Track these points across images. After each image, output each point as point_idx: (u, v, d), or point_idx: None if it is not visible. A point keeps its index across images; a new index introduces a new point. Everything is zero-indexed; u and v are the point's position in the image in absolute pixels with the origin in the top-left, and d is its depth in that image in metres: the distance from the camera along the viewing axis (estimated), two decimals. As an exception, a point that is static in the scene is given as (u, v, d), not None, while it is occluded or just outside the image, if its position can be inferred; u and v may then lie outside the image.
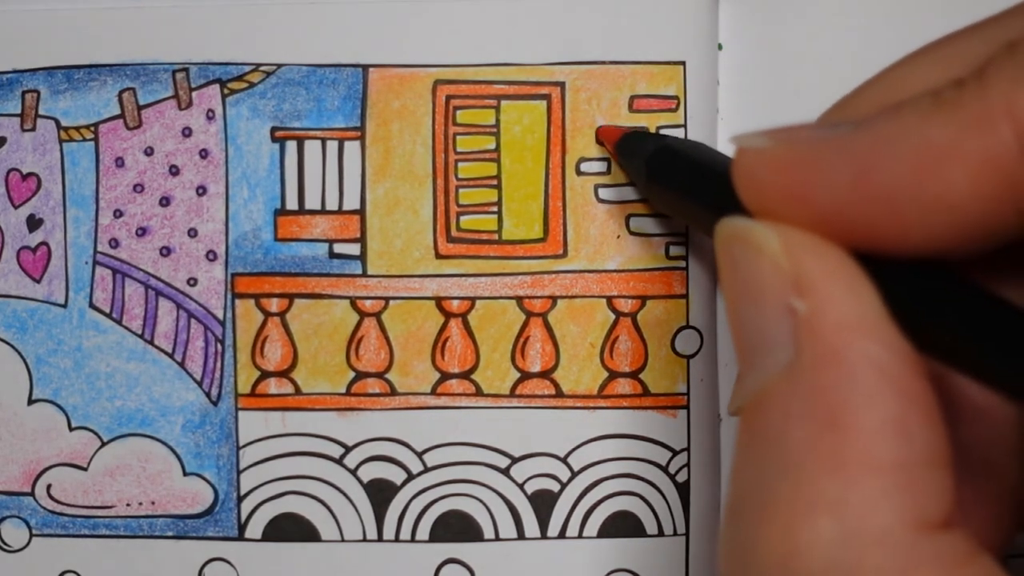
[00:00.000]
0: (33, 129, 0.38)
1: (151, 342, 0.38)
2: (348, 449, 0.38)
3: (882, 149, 0.23)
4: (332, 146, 0.37)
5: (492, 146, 0.37)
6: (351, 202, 0.37)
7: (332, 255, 0.37)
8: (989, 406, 0.27)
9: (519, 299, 0.37)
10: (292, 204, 0.37)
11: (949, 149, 0.22)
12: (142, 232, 0.38)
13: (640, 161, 0.34)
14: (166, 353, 0.38)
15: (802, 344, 0.23)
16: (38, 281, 0.38)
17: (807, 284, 0.23)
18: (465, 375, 0.37)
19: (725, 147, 0.37)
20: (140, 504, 0.38)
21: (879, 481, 0.22)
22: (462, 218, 0.37)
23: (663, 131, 0.37)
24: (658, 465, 0.37)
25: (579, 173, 0.37)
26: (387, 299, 0.37)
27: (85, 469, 0.38)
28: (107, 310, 0.38)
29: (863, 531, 0.22)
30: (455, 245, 0.37)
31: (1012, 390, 0.23)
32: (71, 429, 0.38)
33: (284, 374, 0.38)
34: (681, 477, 0.37)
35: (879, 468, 0.22)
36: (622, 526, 0.37)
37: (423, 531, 0.38)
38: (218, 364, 0.38)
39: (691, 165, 0.31)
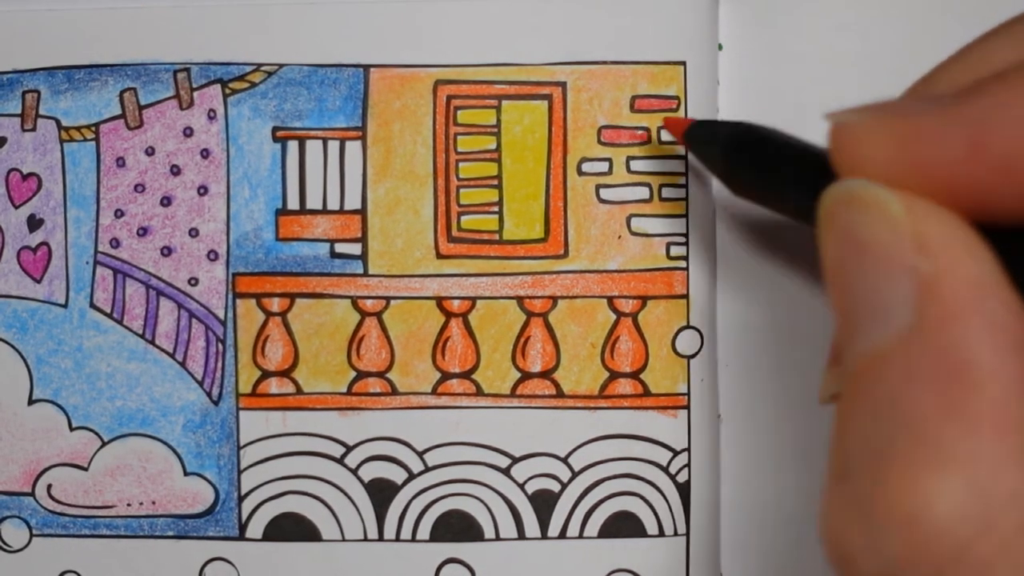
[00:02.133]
0: (34, 129, 0.38)
1: (152, 342, 0.38)
2: (349, 449, 0.38)
3: (995, 113, 0.22)
4: (333, 146, 0.37)
5: (493, 146, 0.37)
6: (352, 202, 0.37)
7: (333, 255, 0.37)
8: None
9: (520, 299, 0.37)
10: (293, 204, 0.37)
11: None
12: (143, 232, 0.38)
13: (716, 146, 0.33)
14: (167, 353, 0.38)
15: (926, 304, 0.23)
16: (39, 281, 0.38)
17: (930, 245, 0.23)
18: (466, 375, 0.37)
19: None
20: (141, 504, 0.38)
21: (1008, 440, 0.22)
22: (463, 218, 0.37)
23: (664, 130, 0.37)
24: (658, 465, 0.37)
25: (580, 173, 0.37)
26: (388, 299, 0.37)
27: (86, 469, 0.38)
28: (108, 310, 0.38)
29: (995, 487, 0.21)
30: (456, 245, 0.37)
31: None
32: (72, 429, 0.38)
33: (285, 374, 0.38)
34: (682, 477, 0.37)
35: (1008, 427, 0.22)
36: (623, 526, 0.37)
37: (424, 531, 0.38)
38: (219, 364, 0.38)
39: (775, 146, 0.31)
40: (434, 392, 0.37)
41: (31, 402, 0.38)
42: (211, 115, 0.38)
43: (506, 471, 0.37)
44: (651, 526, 0.37)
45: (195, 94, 0.38)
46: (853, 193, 0.24)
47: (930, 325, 0.23)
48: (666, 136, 0.37)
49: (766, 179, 0.31)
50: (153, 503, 0.38)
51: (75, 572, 0.38)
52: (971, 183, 0.23)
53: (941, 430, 0.22)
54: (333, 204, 0.37)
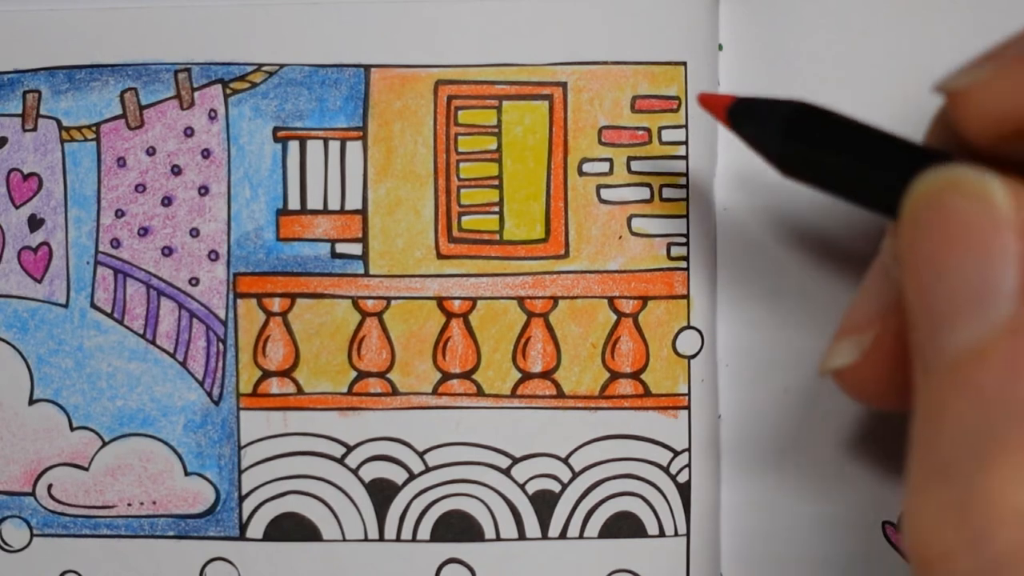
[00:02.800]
0: (34, 129, 0.38)
1: (153, 342, 0.38)
2: (349, 449, 0.38)
3: None
4: (334, 146, 0.37)
5: (494, 146, 0.37)
6: (353, 202, 0.37)
7: (334, 255, 0.37)
8: None
9: (520, 299, 0.37)
10: (294, 204, 0.37)
11: None
12: (144, 232, 0.38)
13: (772, 126, 0.30)
14: (168, 353, 0.38)
15: None
16: (39, 281, 0.38)
17: None
18: (466, 375, 0.37)
19: (724, 147, 0.37)
20: (141, 504, 0.38)
21: None
22: (464, 218, 0.37)
23: (664, 131, 0.37)
24: (659, 465, 0.37)
25: (581, 173, 0.37)
26: (389, 299, 0.37)
27: (86, 469, 0.38)
28: (108, 310, 0.38)
29: None
30: (456, 245, 0.37)
31: None
32: (72, 429, 0.38)
33: (286, 374, 0.38)
34: (682, 477, 0.37)
35: None
36: (623, 526, 0.37)
37: (424, 531, 0.38)
38: (220, 364, 0.38)
39: (843, 129, 0.29)
40: (435, 392, 0.37)
41: (32, 402, 0.38)
42: (212, 115, 0.38)
43: (506, 471, 0.37)
44: (651, 526, 0.37)
45: (196, 94, 0.38)
46: (952, 180, 0.24)
47: None
48: (668, 136, 0.37)
49: (833, 164, 0.29)
50: (154, 503, 0.38)
51: (75, 572, 0.38)
52: None
53: None
54: (334, 204, 0.37)
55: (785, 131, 0.29)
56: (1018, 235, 0.23)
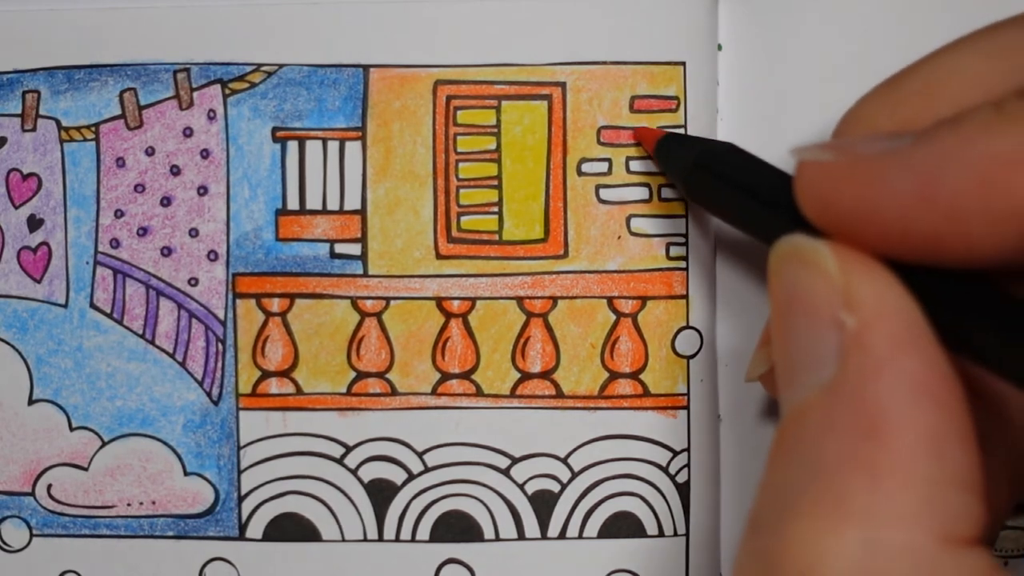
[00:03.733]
0: (34, 129, 0.38)
1: (152, 342, 0.38)
2: (349, 449, 0.38)
3: (946, 162, 0.23)
4: (333, 146, 0.37)
5: (493, 146, 0.37)
6: (352, 202, 0.37)
7: (333, 255, 0.37)
8: (1010, 394, 0.27)
9: (520, 299, 0.37)
10: (293, 204, 0.37)
11: (1013, 159, 0.22)
12: (143, 232, 0.38)
13: (680, 170, 0.34)
14: (167, 353, 0.38)
15: (847, 357, 0.24)
16: (39, 281, 0.38)
17: (857, 300, 0.24)
18: (465, 375, 0.37)
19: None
20: (141, 504, 0.38)
21: (911, 494, 0.22)
22: (463, 218, 0.37)
23: (665, 128, 0.37)
24: (658, 466, 0.37)
25: (580, 173, 0.37)
26: (388, 299, 0.37)
27: (86, 469, 0.38)
28: (108, 310, 0.38)
29: (889, 542, 0.22)
30: (456, 245, 0.37)
31: None
32: (72, 429, 0.38)
33: (285, 374, 0.38)
34: (681, 478, 0.37)
35: (912, 482, 0.23)
36: (622, 526, 0.37)
37: (423, 531, 0.38)
38: (219, 364, 0.38)
39: (734, 176, 0.32)
40: (434, 392, 0.37)
41: (31, 402, 0.38)
42: (211, 115, 0.38)
43: (506, 471, 0.37)
44: (651, 526, 0.37)
45: (195, 94, 0.38)
46: (793, 247, 0.25)
47: (850, 379, 0.24)
48: None
49: (730, 206, 0.32)
50: (153, 503, 0.38)
51: (75, 572, 0.38)
52: (920, 228, 0.24)
53: (847, 482, 0.23)
54: (333, 204, 0.37)
55: (691, 173, 0.33)
56: (842, 302, 0.24)
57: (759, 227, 0.30)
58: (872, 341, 0.23)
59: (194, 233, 0.38)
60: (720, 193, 0.32)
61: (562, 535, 0.38)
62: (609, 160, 0.37)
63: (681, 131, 0.37)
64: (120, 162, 0.38)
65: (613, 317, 0.37)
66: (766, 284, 0.37)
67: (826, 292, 0.24)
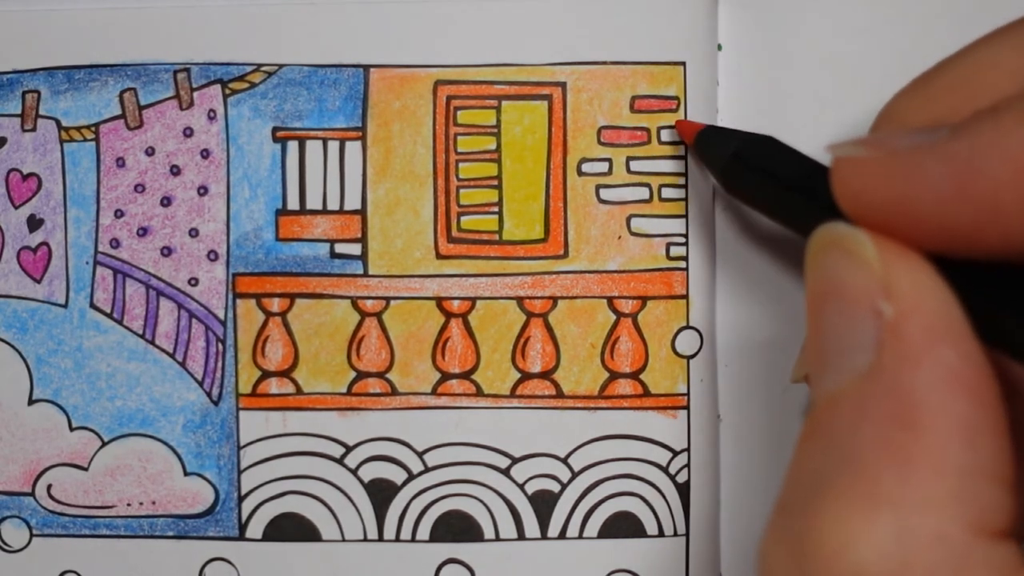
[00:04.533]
0: (34, 129, 0.38)
1: (152, 342, 0.38)
2: (349, 449, 0.38)
3: (983, 153, 0.23)
4: (333, 146, 0.37)
5: (493, 146, 0.37)
6: (352, 202, 0.37)
7: (333, 255, 0.37)
8: None
9: (520, 299, 0.37)
10: (293, 204, 0.37)
11: None
12: (143, 232, 0.38)
13: (718, 162, 0.34)
14: (167, 353, 0.38)
15: (885, 346, 0.24)
16: (39, 281, 0.38)
17: (896, 290, 0.24)
18: (465, 375, 0.37)
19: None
20: (141, 504, 0.38)
21: (943, 483, 0.23)
22: (463, 218, 0.37)
23: (663, 131, 0.37)
24: (658, 466, 0.37)
25: (580, 173, 0.37)
26: (388, 299, 0.37)
27: (86, 469, 0.38)
28: (108, 310, 0.38)
29: (920, 529, 0.22)
30: (456, 245, 0.37)
31: None
32: (72, 429, 0.38)
33: (285, 374, 0.38)
34: (681, 478, 0.37)
35: (945, 471, 0.23)
36: (622, 526, 0.37)
37: (423, 531, 0.38)
38: (219, 364, 0.38)
39: (773, 169, 0.32)
40: (434, 392, 0.37)
41: (31, 402, 0.38)
42: (211, 115, 0.38)
43: (506, 471, 0.37)
44: (651, 526, 0.37)
45: (195, 94, 0.38)
46: (834, 237, 0.25)
47: (886, 367, 0.24)
48: (666, 136, 0.37)
49: (768, 199, 0.32)
50: (153, 503, 0.38)
51: (75, 572, 0.38)
52: (958, 220, 0.24)
53: (880, 470, 0.23)
54: (333, 204, 0.37)
55: (731, 165, 0.33)
56: (880, 291, 0.24)
57: (797, 219, 0.30)
58: (909, 331, 0.24)
59: (194, 233, 0.38)
60: (757, 185, 0.32)
61: (562, 535, 0.38)
62: (609, 160, 0.37)
63: (683, 130, 0.37)
64: (120, 162, 0.38)
65: (613, 317, 0.37)
66: (771, 281, 0.38)
67: (865, 280, 0.24)
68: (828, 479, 0.23)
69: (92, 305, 0.38)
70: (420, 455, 0.38)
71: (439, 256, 0.37)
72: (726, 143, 0.34)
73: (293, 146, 0.37)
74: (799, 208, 0.30)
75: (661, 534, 0.37)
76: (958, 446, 0.23)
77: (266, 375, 0.38)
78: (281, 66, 0.37)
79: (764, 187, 0.32)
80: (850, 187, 0.25)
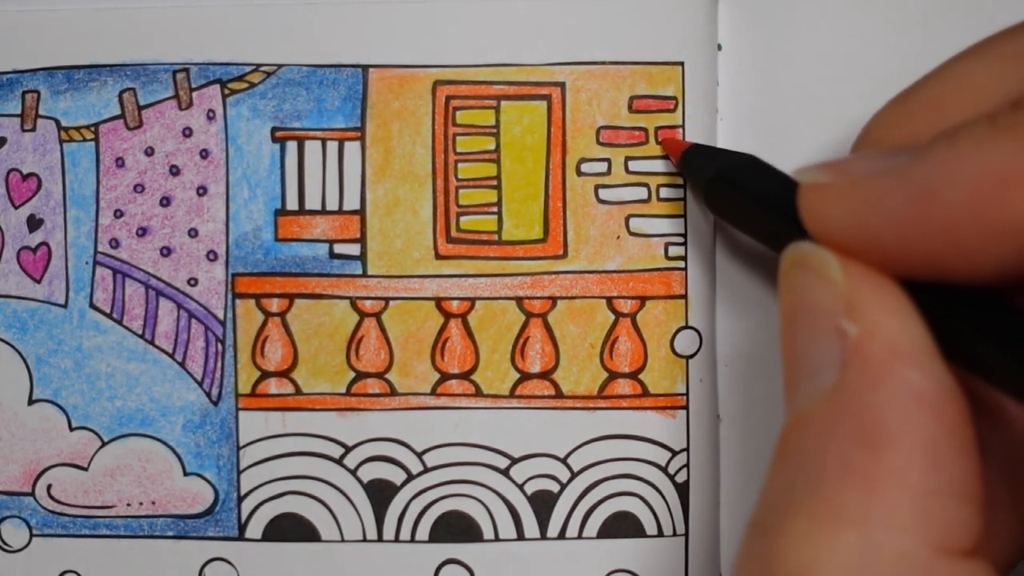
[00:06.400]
0: (33, 129, 0.38)
1: (151, 342, 0.38)
2: (348, 449, 0.38)
3: (940, 178, 0.23)
4: (332, 146, 0.37)
5: (492, 147, 0.37)
6: (351, 202, 0.37)
7: (332, 255, 0.37)
8: (1018, 416, 0.27)
9: (519, 300, 0.37)
10: (292, 204, 0.37)
11: (1008, 174, 0.22)
12: (142, 232, 0.38)
13: (701, 181, 0.34)
14: (166, 353, 0.38)
15: (848, 365, 0.24)
16: (38, 281, 0.38)
17: (860, 309, 0.24)
18: (465, 375, 0.37)
19: (722, 147, 0.37)
20: (140, 504, 0.38)
21: (906, 503, 0.23)
22: (462, 219, 0.37)
23: (662, 131, 0.37)
24: (658, 465, 0.37)
25: (579, 174, 0.37)
26: (387, 299, 0.37)
27: (85, 469, 0.38)
28: (107, 310, 0.38)
29: (884, 549, 0.22)
30: (455, 246, 0.37)
31: None
32: (71, 429, 0.38)
33: (284, 374, 0.38)
34: (680, 477, 0.37)
35: (908, 490, 0.23)
36: (622, 526, 0.37)
37: (423, 531, 0.38)
38: (218, 364, 0.38)
39: (751, 189, 0.32)
40: (433, 393, 0.37)
41: (31, 402, 0.38)
42: (210, 115, 0.38)
43: (505, 472, 0.37)
44: (650, 526, 0.37)
45: (194, 94, 0.38)
46: (802, 255, 0.26)
47: (850, 387, 0.24)
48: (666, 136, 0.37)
49: (746, 218, 0.32)
50: (153, 503, 0.38)
51: (75, 572, 0.38)
52: (918, 245, 0.24)
53: (844, 489, 0.23)
54: (332, 204, 0.37)
55: (712, 185, 0.34)
56: (845, 310, 0.24)
57: (774, 239, 0.30)
58: (872, 350, 0.24)
59: (193, 233, 0.38)
60: (737, 205, 0.33)
61: (562, 535, 0.38)
62: (608, 160, 0.37)
63: (678, 131, 0.37)
64: (120, 162, 0.38)
65: (612, 317, 0.37)
66: (770, 281, 0.38)
67: (830, 299, 0.25)
68: (795, 499, 0.23)
69: (92, 305, 0.38)
70: (419, 455, 0.38)
71: (438, 256, 0.37)
72: (708, 162, 0.34)
73: (292, 146, 0.37)
74: (775, 228, 0.30)
75: (660, 534, 0.37)
76: (921, 466, 0.23)
77: (265, 375, 0.38)
78: (280, 66, 0.37)
79: (742, 207, 0.32)
80: (815, 213, 0.25)
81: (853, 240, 0.25)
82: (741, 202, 0.32)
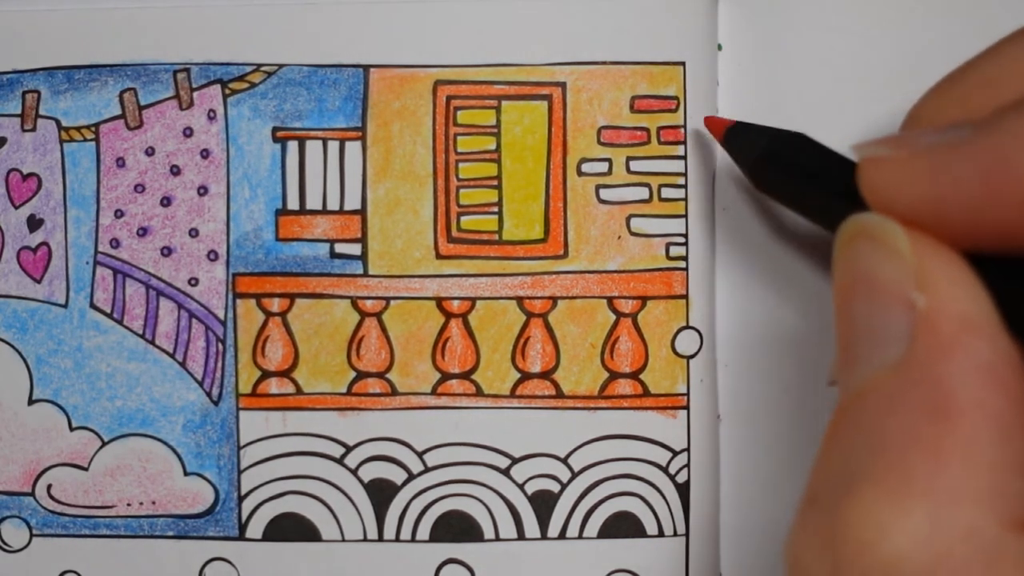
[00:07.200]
0: (34, 129, 0.38)
1: (152, 342, 0.38)
2: (349, 449, 0.38)
3: (1010, 149, 0.23)
4: (333, 146, 0.37)
5: (493, 146, 0.37)
6: (352, 202, 0.37)
7: (333, 255, 0.37)
8: None
9: (519, 299, 0.37)
10: (293, 204, 0.37)
11: None
12: (143, 232, 0.38)
13: (748, 159, 0.34)
14: (167, 353, 0.38)
15: (918, 337, 0.23)
16: (39, 281, 0.38)
17: (929, 281, 0.24)
18: (465, 375, 0.37)
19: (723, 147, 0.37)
20: (141, 504, 0.38)
21: (975, 476, 0.22)
22: (463, 218, 0.37)
23: (663, 131, 0.37)
24: (658, 465, 0.37)
25: (580, 174, 0.37)
26: (388, 299, 0.37)
27: (86, 469, 0.38)
28: (108, 310, 0.38)
29: (954, 521, 0.22)
30: (455, 245, 0.37)
31: None
32: (72, 429, 0.38)
33: (285, 374, 0.38)
34: (681, 477, 0.37)
35: (978, 463, 0.22)
36: (622, 526, 0.38)
37: (423, 531, 0.38)
38: (219, 364, 0.38)
39: (804, 166, 0.32)
40: (434, 392, 0.37)
41: (31, 402, 0.38)
42: (211, 115, 0.38)
43: (506, 471, 0.37)
44: (651, 526, 0.37)
45: (195, 94, 0.38)
46: (865, 227, 0.25)
47: (919, 359, 0.23)
48: (666, 136, 0.37)
49: (797, 195, 0.32)
50: (153, 503, 0.38)
51: (75, 572, 0.38)
52: (987, 216, 0.23)
53: (912, 462, 0.23)
54: (333, 204, 0.37)
55: (762, 162, 0.33)
56: (913, 282, 0.24)
57: (827, 216, 0.30)
58: (942, 322, 0.23)
59: (194, 233, 0.38)
60: (788, 181, 0.32)
61: (562, 535, 0.38)
62: (609, 160, 0.37)
63: (681, 131, 0.37)
64: (120, 162, 0.38)
65: (613, 317, 0.37)
66: (771, 281, 0.38)
67: (897, 271, 0.24)
68: (859, 471, 0.23)
69: (92, 305, 0.38)
70: (420, 455, 0.38)
71: (439, 256, 0.37)
72: (756, 140, 0.34)
73: (293, 146, 0.37)
74: (829, 205, 0.30)
75: (661, 534, 0.37)
76: (990, 439, 0.22)
77: (266, 375, 0.38)
78: (281, 66, 0.37)
79: (794, 184, 0.32)
80: (877, 187, 0.25)
81: (919, 212, 0.24)
82: (792, 180, 0.32)
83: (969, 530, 0.22)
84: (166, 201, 0.38)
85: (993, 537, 0.22)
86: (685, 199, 0.37)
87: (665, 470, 0.37)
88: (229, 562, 0.38)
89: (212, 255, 0.38)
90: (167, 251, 0.38)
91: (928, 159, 0.24)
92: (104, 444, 0.38)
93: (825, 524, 0.23)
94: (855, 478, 0.23)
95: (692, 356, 0.37)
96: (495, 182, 0.37)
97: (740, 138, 0.35)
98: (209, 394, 0.38)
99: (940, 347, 0.23)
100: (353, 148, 0.37)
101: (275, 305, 0.37)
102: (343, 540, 0.38)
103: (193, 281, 0.38)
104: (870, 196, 0.25)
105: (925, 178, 0.24)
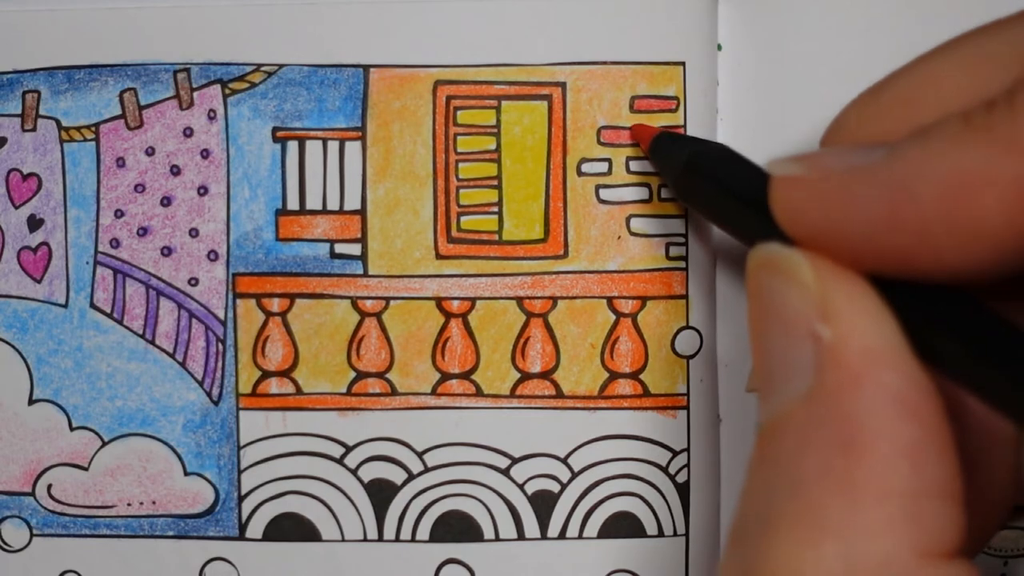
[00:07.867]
0: (34, 129, 0.38)
1: (152, 342, 0.38)
2: (349, 449, 0.38)
3: (913, 178, 0.23)
4: (333, 146, 0.37)
5: (493, 146, 0.37)
6: (352, 202, 0.37)
7: (333, 255, 0.37)
8: (989, 419, 0.27)
9: (519, 300, 0.37)
10: (293, 204, 0.37)
11: (980, 174, 0.22)
12: (143, 232, 0.38)
13: (671, 169, 0.34)
14: (167, 353, 0.38)
15: (823, 369, 0.24)
16: (39, 281, 0.38)
17: (833, 312, 0.24)
18: (465, 375, 0.37)
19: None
20: (141, 504, 0.38)
21: (887, 507, 0.22)
22: (463, 218, 0.37)
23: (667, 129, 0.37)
24: (658, 466, 0.37)
25: (580, 174, 0.37)
26: (388, 299, 0.37)
27: (86, 469, 0.38)
28: (108, 310, 0.38)
29: (867, 555, 0.22)
30: (455, 245, 0.37)
31: (1014, 414, 0.23)
32: (72, 429, 0.38)
33: (285, 374, 0.38)
34: (681, 478, 0.37)
35: (888, 495, 0.22)
36: (622, 527, 0.38)
37: (423, 531, 0.38)
38: (219, 364, 0.38)
39: (723, 179, 0.32)
40: (434, 392, 0.37)
41: (31, 402, 0.38)
42: (211, 115, 0.38)
43: (506, 471, 0.37)
44: (651, 526, 0.37)
45: (195, 94, 0.38)
46: (771, 256, 0.25)
47: (826, 391, 0.23)
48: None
49: (717, 209, 0.32)
50: (153, 503, 0.38)
51: (75, 572, 0.38)
52: (889, 242, 0.23)
53: (824, 497, 0.23)
54: (333, 204, 0.37)
55: (682, 174, 0.33)
56: (818, 313, 0.24)
57: (744, 232, 0.30)
58: (848, 354, 0.23)
59: (194, 233, 0.38)
60: (708, 194, 0.32)
61: (562, 535, 0.38)
62: (609, 160, 0.37)
63: (680, 131, 0.37)
64: (120, 162, 0.38)
65: (613, 317, 0.37)
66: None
67: (801, 303, 0.24)
68: (776, 507, 0.23)
69: (92, 305, 0.38)
70: (420, 455, 0.38)
71: (439, 256, 0.37)
72: (679, 150, 0.34)
73: (293, 146, 0.37)
74: (746, 221, 0.29)
75: (661, 534, 0.37)
76: (902, 469, 0.22)
77: (266, 375, 0.38)
78: (281, 66, 0.37)
79: (714, 197, 0.32)
80: (787, 206, 0.25)
81: (824, 235, 0.24)
82: (712, 193, 0.32)
83: (883, 562, 0.22)
84: (166, 201, 0.38)
85: (908, 567, 0.22)
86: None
87: (665, 470, 0.37)
88: (229, 562, 0.38)
89: (212, 255, 0.38)
90: (167, 251, 0.38)
91: (836, 182, 0.24)
92: (104, 444, 0.38)
93: (745, 562, 0.23)
94: (773, 515, 0.23)
95: (692, 356, 0.37)
96: (495, 182, 0.37)
97: (665, 148, 0.35)
98: (209, 394, 0.38)
99: (847, 379, 0.23)
100: (353, 148, 0.37)
101: (275, 305, 0.38)
102: (343, 540, 0.38)
103: (193, 281, 0.38)
104: (780, 216, 0.25)
105: (834, 201, 0.24)
